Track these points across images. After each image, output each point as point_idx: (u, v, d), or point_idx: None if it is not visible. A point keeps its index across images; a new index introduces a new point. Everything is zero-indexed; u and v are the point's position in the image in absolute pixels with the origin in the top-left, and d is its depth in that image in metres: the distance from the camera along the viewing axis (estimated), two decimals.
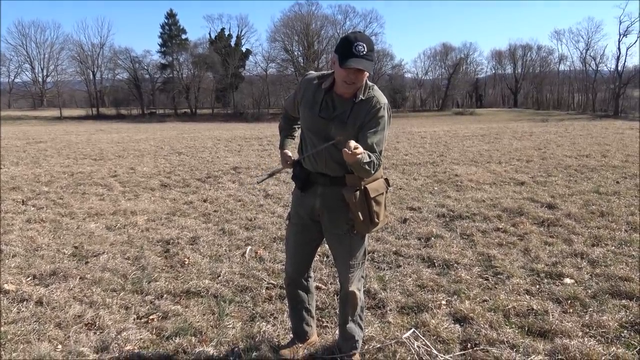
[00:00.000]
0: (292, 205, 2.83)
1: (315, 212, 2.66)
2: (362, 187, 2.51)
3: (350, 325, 2.76)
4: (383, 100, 2.48)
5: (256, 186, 7.78)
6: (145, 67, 65.50)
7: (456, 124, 29.22)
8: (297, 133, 2.84)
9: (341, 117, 2.47)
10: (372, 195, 2.53)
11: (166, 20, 65.40)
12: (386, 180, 2.67)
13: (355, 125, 2.46)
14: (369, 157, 2.33)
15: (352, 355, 2.76)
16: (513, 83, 75.59)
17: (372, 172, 2.39)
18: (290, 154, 2.77)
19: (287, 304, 3.06)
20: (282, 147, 2.85)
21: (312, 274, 2.94)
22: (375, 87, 2.52)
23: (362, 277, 2.80)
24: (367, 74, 2.39)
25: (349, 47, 2.31)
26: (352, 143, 2.20)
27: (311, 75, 2.63)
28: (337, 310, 3.20)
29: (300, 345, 2.92)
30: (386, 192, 2.65)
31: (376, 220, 2.57)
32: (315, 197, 2.63)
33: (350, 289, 2.68)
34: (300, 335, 2.95)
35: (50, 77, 67.32)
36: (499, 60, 77.34)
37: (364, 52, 2.31)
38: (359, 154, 2.20)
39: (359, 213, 2.52)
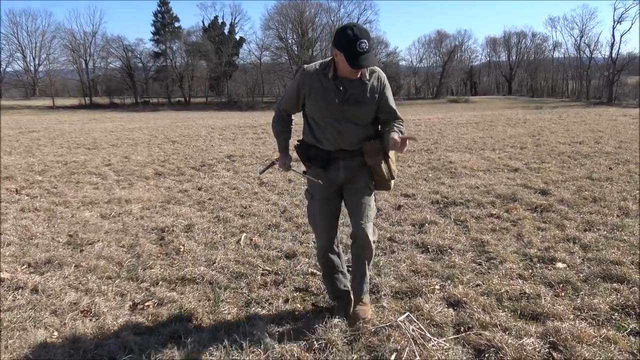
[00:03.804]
0: (311, 184, 3.02)
1: (339, 182, 2.96)
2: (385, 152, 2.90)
3: (367, 272, 3.10)
4: (382, 71, 2.87)
5: (251, 174, 7.79)
6: (138, 56, 65.15)
7: (451, 112, 29.24)
8: (290, 134, 3.11)
9: (354, 97, 2.77)
10: (390, 157, 2.96)
11: (159, 8, 64.94)
12: None
13: (373, 100, 2.81)
14: (401, 125, 2.83)
15: (363, 297, 3.08)
16: (507, 70, 75.58)
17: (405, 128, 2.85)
18: (290, 157, 3.06)
19: (323, 274, 3.23)
20: (283, 150, 3.08)
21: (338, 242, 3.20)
22: None
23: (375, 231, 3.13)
24: None
25: (353, 46, 2.52)
26: (395, 137, 2.65)
27: (311, 68, 2.81)
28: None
29: (356, 303, 3.06)
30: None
31: (394, 176, 3.00)
32: (339, 171, 2.92)
33: (370, 240, 2.93)
34: (344, 297, 3.11)
35: (42, 66, 66.85)
36: (494, 47, 77.35)
37: (367, 48, 2.54)
38: (405, 143, 2.65)
39: (381, 171, 2.91)
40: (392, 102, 2.89)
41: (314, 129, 2.90)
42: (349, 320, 2.98)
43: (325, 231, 3.05)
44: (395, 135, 2.66)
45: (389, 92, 2.88)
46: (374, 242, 3.01)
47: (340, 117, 2.77)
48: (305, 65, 2.84)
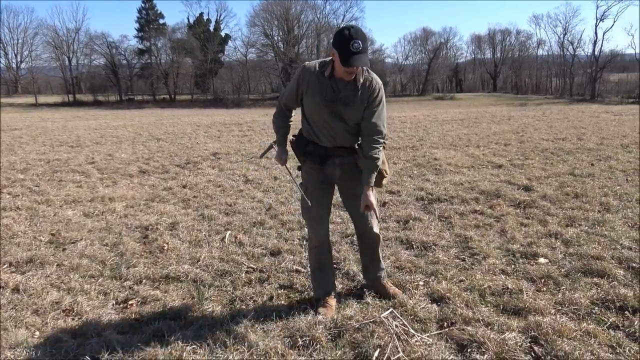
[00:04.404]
0: (307, 177, 3.15)
1: (335, 178, 3.10)
2: None
3: (381, 261, 3.36)
4: (380, 81, 2.91)
5: (236, 172, 7.76)
6: (123, 53, 64.34)
7: (436, 109, 29.39)
8: (290, 129, 3.20)
9: (345, 99, 2.86)
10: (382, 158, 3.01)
11: (143, 5, 64.07)
12: None
13: (362, 105, 2.87)
14: (373, 168, 2.90)
15: (383, 280, 3.36)
16: (492, 68, 76.02)
17: (381, 160, 2.92)
18: (287, 151, 3.19)
19: (313, 268, 3.32)
20: (281, 144, 3.21)
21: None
22: (370, 71, 2.90)
23: (379, 221, 3.36)
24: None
25: (347, 46, 2.62)
26: (362, 204, 2.94)
27: (311, 66, 2.93)
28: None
29: (332, 302, 3.20)
30: (384, 148, 3.08)
31: (385, 174, 3.09)
32: (335, 167, 3.05)
33: (375, 232, 3.23)
34: (329, 292, 3.26)
35: (24, 63, 65.79)
36: (479, 44, 77.68)
37: (360, 48, 2.63)
38: (373, 200, 2.92)
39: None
40: (378, 116, 2.90)
41: (312, 125, 3.01)
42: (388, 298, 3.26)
43: (322, 223, 3.18)
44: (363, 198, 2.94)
45: (377, 104, 2.89)
46: (379, 231, 3.30)
47: (332, 115, 2.88)
48: (307, 63, 2.97)
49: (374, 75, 2.90)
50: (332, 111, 2.87)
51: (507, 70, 75.86)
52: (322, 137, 3.00)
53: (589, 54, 62.98)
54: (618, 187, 5.98)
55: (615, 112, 17.79)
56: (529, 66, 73.86)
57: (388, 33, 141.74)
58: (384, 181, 3.12)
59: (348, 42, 2.61)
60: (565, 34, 66.54)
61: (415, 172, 7.41)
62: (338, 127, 2.92)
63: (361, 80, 2.84)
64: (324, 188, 3.13)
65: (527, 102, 46.00)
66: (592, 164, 7.55)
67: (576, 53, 65.40)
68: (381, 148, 2.94)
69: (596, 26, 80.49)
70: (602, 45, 64.85)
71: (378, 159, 2.91)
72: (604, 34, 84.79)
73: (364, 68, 2.83)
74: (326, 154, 3.01)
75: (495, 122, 14.71)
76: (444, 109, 29.36)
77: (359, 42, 2.62)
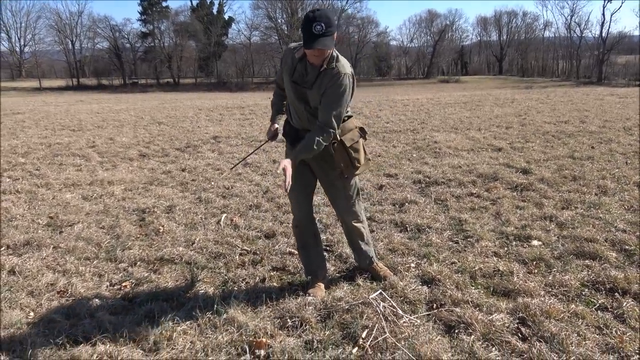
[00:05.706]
0: (286, 157, 3.08)
1: (307, 160, 3.02)
2: (339, 139, 2.92)
3: (364, 247, 3.33)
4: (344, 70, 2.75)
5: (236, 155, 7.77)
6: (126, 36, 64.13)
7: (440, 92, 29.19)
8: (283, 107, 3.22)
9: (308, 82, 2.81)
10: (348, 145, 2.95)
11: None
12: (361, 129, 3.06)
13: (319, 91, 2.78)
14: (306, 148, 2.77)
15: (371, 265, 3.37)
16: (498, 50, 75.31)
17: (319, 148, 2.78)
18: (277, 126, 3.17)
19: (297, 246, 3.39)
20: (272, 120, 3.22)
21: (314, 217, 3.39)
22: (341, 58, 2.79)
23: (362, 210, 3.31)
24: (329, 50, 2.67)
25: (308, 28, 2.54)
26: (279, 170, 2.70)
27: (292, 46, 2.93)
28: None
29: (321, 282, 3.23)
30: (363, 138, 3.06)
31: (357, 164, 3.00)
32: None
33: (353, 224, 3.23)
34: (315, 272, 3.27)
35: (27, 47, 65.75)
36: (485, 27, 76.95)
37: (323, 31, 2.54)
38: (287, 173, 2.67)
39: (341, 161, 2.96)
40: (330, 106, 2.75)
41: (289, 104, 3.05)
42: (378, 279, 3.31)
43: (299, 203, 3.20)
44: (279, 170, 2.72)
45: (332, 93, 2.74)
46: (361, 221, 3.26)
47: (298, 95, 2.88)
48: (291, 44, 2.97)
49: (343, 66, 2.75)
50: (297, 91, 2.86)
51: (513, 53, 75.13)
52: (293, 117, 3.02)
53: (596, 35, 62.32)
54: (617, 170, 5.96)
55: (620, 95, 17.64)
56: (535, 48, 73.12)
57: (393, 15, 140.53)
58: (357, 171, 3.02)
59: (310, 24, 2.53)
60: (572, 16, 66.10)
61: (414, 155, 7.39)
62: (302, 109, 2.90)
63: (325, 66, 2.72)
64: (300, 169, 3.01)
65: (532, 85, 45.66)
66: (593, 147, 7.51)
67: (583, 35, 64.75)
68: (325, 140, 2.79)
69: (604, 7, 79.36)
70: (609, 27, 64.30)
71: (315, 144, 2.76)
72: (611, 16, 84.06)
73: (335, 55, 2.73)
74: (297, 136, 2.99)
75: (498, 105, 14.61)
76: (448, 92, 29.17)
77: (322, 24, 2.52)
